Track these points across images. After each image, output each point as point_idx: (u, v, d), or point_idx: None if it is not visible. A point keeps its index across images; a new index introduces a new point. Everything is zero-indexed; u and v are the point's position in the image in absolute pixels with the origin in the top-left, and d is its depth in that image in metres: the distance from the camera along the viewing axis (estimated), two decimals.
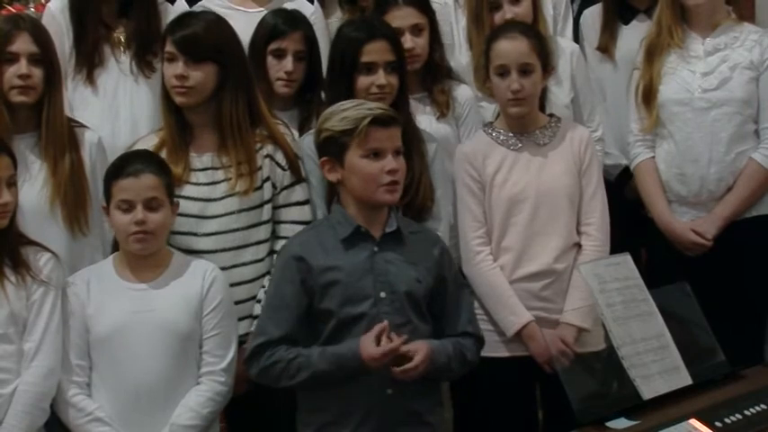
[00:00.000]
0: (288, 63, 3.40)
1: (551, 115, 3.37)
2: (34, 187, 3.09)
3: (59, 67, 3.20)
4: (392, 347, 2.70)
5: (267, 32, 3.42)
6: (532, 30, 3.36)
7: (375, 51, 3.14)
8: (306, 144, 3.18)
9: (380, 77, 3.13)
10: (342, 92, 3.10)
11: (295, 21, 3.46)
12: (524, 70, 3.21)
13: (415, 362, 2.73)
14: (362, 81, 3.14)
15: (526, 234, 3.24)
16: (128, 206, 2.86)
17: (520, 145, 3.30)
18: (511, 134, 3.31)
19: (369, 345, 2.70)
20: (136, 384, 2.85)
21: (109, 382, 2.87)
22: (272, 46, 3.41)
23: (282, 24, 3.43)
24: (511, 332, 3.21)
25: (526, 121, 3.30)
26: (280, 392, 2.90)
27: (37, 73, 3.07)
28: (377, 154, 2.79)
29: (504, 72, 3.22)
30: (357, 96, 3.08)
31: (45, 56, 3.10)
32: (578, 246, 3.27)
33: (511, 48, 3.23)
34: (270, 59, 3.42)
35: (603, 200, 3.31)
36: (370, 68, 3.14)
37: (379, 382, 2.76)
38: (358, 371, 2.73)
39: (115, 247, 3.02)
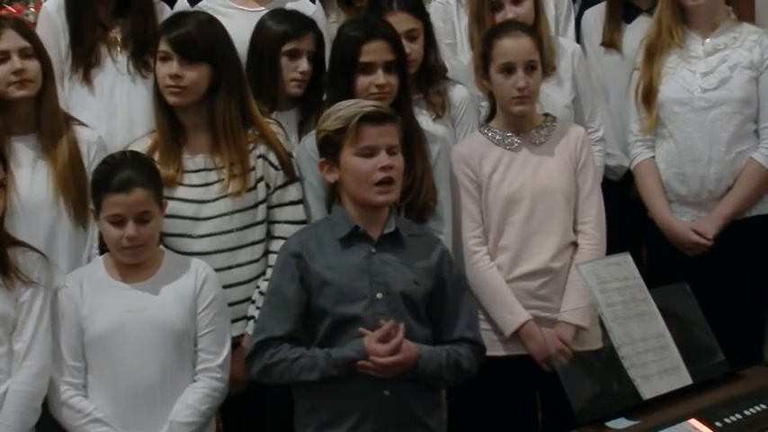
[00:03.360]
0: (303, 63, 3.38)
1: (547, 115, 3.37)
2: (37, 184, 3.09)
3: (50, 60, 3.18)
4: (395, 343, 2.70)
5: (281, 33, 3.39)
6: (532, 29, 3.37)
7: (374, 51, 3.12)
8: (308, 144, 3.15)
9: (379, 77, 3.11)
10: (342, 92, 3.09)
11: (307, 22, 3.45)
12: (530, 68, 3.21)
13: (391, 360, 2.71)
14: (362, 81, 3.12)
15: (523, 233, 3.23)
16: (119, 220, 2.83)
17: (516, 144, 3.29)
18: (507, 134, 3.30)
19: (375, 345, 2.70)
20: (133, 383, 2.84)
21: (105, 383, 2.86)
22: (287, 47, 3.38)
23: (297, 25, 3.40)
24: (509, 331, 3.20)
25: (524, 121, 3.30)
26: (276, 392, 2.89)
27: (31, 66, 3.07)
28: (370, 152, 2.78)
29: (509, 69, 3.22)
30: (357, 96, 3.06)
31: (36, 49, 3.10)
32: (575, 244, 3.26)
33: (517, 45, 3.23)
34: (284, 60, 3.38)
35: (599, 198, 3.31)
36: (369, 68, 3.12)
37: (376, 383, 2.75)
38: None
39: (104, 246, 2.98)
